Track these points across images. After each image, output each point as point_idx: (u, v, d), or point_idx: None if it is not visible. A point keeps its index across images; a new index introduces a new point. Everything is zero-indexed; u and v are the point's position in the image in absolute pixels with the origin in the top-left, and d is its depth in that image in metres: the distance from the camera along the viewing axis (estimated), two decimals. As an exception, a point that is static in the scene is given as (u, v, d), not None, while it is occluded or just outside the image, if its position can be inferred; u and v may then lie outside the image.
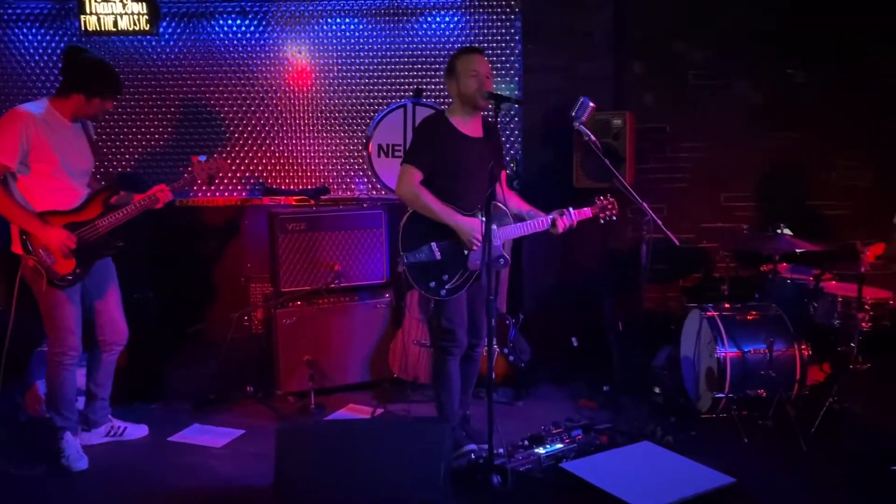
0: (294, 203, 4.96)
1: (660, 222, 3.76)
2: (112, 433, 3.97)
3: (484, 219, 3.23)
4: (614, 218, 3.73)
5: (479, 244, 3.45)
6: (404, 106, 4.88)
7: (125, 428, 4.01)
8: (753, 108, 5.07)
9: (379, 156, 4.90)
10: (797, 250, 4.12)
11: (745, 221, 5.09)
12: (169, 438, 4.02)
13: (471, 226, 3.48)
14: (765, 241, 4.27)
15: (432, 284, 3.52)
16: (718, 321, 4.07)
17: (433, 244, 3.52)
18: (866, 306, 3.70)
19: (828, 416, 3.83)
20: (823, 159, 5.09)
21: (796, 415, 3.82)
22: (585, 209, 3.69)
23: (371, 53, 5.11)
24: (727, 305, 4.22)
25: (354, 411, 4.36)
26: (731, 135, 5.07)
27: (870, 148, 5.04)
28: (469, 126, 3.61)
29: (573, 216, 3.61)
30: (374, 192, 5.15)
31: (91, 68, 3.59)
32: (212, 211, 5.18)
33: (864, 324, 3.68)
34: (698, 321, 4.21)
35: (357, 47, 5.10)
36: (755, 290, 4.47)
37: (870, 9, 4.88)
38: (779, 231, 4.22)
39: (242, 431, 4.08)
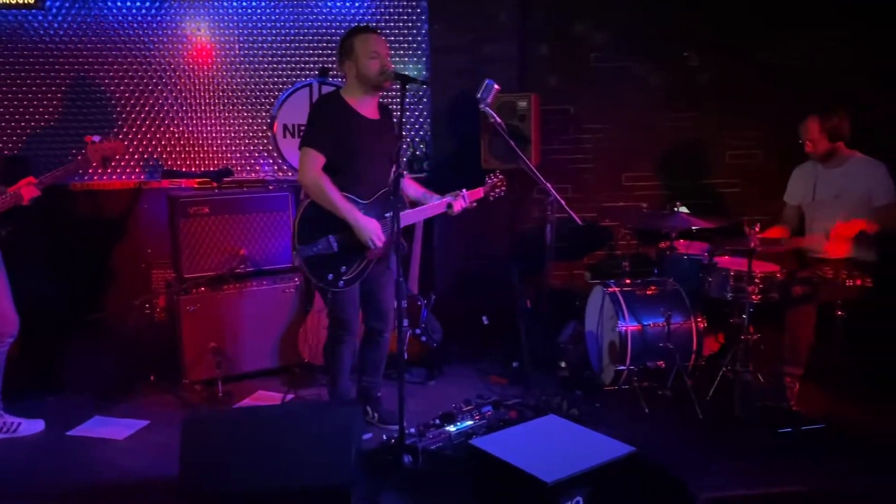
0: (196, 186, 4.80)
1: (563, 202, 3.86)
2: (4, 430, 3.79)
3: (387, 216, 3.25)
4: (502, 194, 3.88)
5: (376, 246, 3.46)
6: (310, 85, 4.79)
7: (19, 423, 3.84)
8: (653, 89, 5.24)
9: (284, 136, 4.80)
10: (692, 227, 4.30)
11: (645, 200, 5.29)
12: (68, 433, 3.86)
13: (371, 227, 3.47)
14: (663, 219, 4.43)
15: (330, 277, 3.50)
16: (620, 296, 4.22)
17: (330, 237, 3.47)
18: (756, 280, 3.91)
19: (721, 384, 4.04)
20: (718, 140, 5.33)
21: (693, 384, 4.02)
22: (478, 189, 3.81)
23: (275, 32, 4.98)
24: (628, 281, 4.38)
25: (264, 398, 4.30)
26: (632, 116, 5.24)
27: (760, 129, 5.30)
28: (366, 107, 3.57)
29: (466, 197, 3.70)
30: (280, 174, 5.05)
31: None
32: (109, 195, 4.95)
33: (754, 296, 3.89)
34: (601, 297, 4.35)
35: (260, 25, 4.97)
36: (654, 266, 4.65)
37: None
38: (676, 209, 4.39)
39: (147, 422, 3.97)
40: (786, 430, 3.69)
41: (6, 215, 3.56)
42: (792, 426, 3.70)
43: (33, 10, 4.67)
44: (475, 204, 3.77)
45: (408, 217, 3.64)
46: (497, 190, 3.85)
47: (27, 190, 3.55)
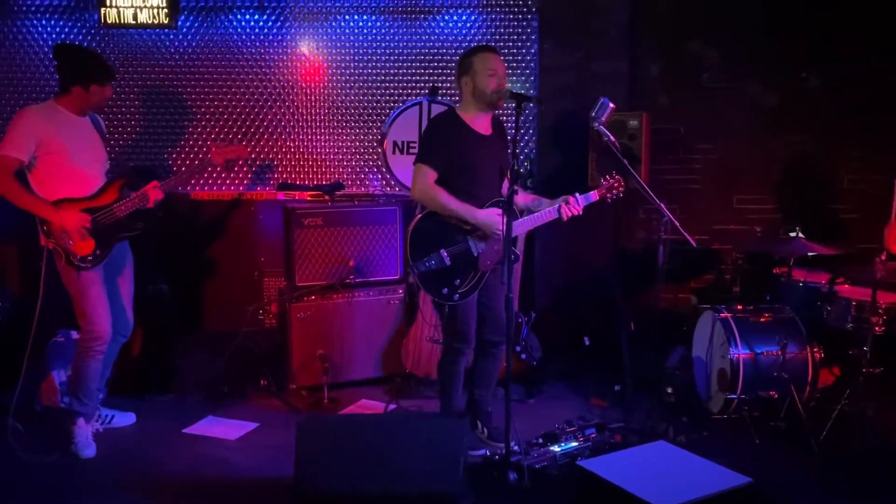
0: (309, 198, 4.99)
1: (677, 223, 3.78)
2: (100, 421, 3.99)
3: (501, 209, 3.21)
4: (621, 195, 3.70)
5: (501, 232, 3.40)
6: (420, 104, 4.90)
7: (112, 416, 4.06)
8: (767, 110, 5.09)
9: (394, 152, 4.93)
10: (810, 253, 4.13)
11: (757, 224, 5.13)
12: (183, 430, 4.05)
13: (493, 218, 3.49)
14: (778, 244, 4.29)
15: (445, 290, 3.55)
16: (732, 322, 4.09)
17: (442, 251, 3.53)
18: (880, 310, 3.73)
19: (839, 418, 3.85)
20: (837, 163, 5.12)
21: (808, 417, 3.85)
22: (592, 192, 3.68)
23: (387, 51, 5.12)
24: (740, 307, 4.24)
25: (367, 407, 4.39)
26: (744, 136, 5.10)
27: (880, 153, 5.06)
28: (480, 123, 3.63)
29: (580, 201, 3.61)
30: (389, 189, 5.17)
31: (80, 58, 3.77)
32: (226, 204, 5.20)
33: (877, 328, 3.70)
34: (711, 322, 4.24)
35: (373, 44, 5.12)
36: (766, 293, 4.49)
37: (886, 10, 4.90)
38: (792, 234, 4.24)
39: (257, 424, 4.11)
40: (910, 471, 3.48)
41: (139, 214, 3.78)
42: (917, 467, 3.50)
43: (166, 30, 4.97)
44: (581, 211, 3.64)
45: (520, 225, 3.65)
46: (615, 191, 3.69)
47: (153, 192, 3.78)
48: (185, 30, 5.04)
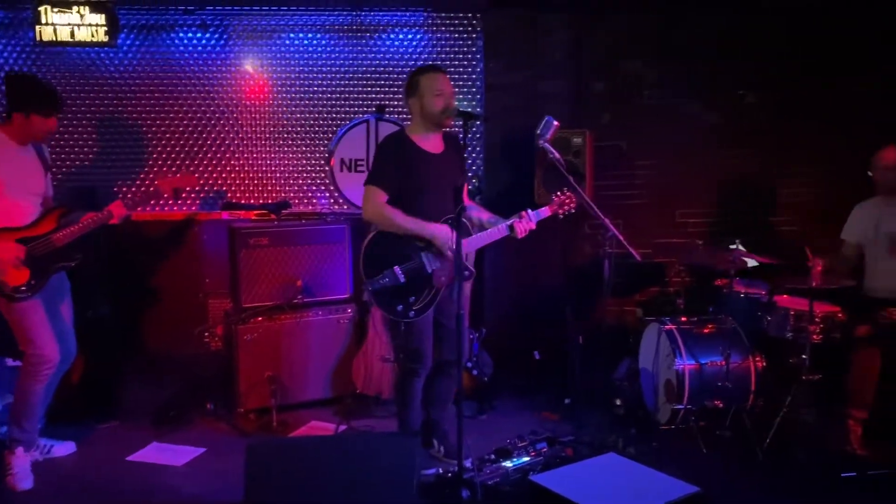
0: (255, 217, 4.92)
1: (622, 238, 3.85)
2: (38, 451, 3.86)
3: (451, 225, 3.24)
4: (573, 210, 3.79)
5: (452, 250, 3.43)
6: (367, 121, 4.90)
7: (52, 446, 3.94)
8: (706, 126, 5.24)
9: (342, 170, 4.90)
10: (750, 265, 4.25)
11: (698, 237, 5.26)
12: (127, 458, 3.93)
13: (444, 233, 3.50)
14: (719, 256, 4.40)
15: (399, 308, 3.54)
16: (677, 334, 4.18)
17: (396, 268, 3.52)
18: (817, 319, 3.85)
19: (782, 426, 3.96)
20: (773, 177, 5.30)
21: (752, 425, 3.95)
22: (544, 208, 3.76)
23: (333, 69, 5.11)
24: (684, 319, 4.34)
25: (317, 429, 4.33)
26: (684, 152, 5.24)
27: (816, 166, 5.26)
28: (430, 142, 3.65)
29: (531, 217, 3.66)
30: (337, 207, 5.14)
31: (24, 87, 3.72)
32: (169, 225, 5.10)
33: (815, 336, 3.82)
34: (657, 334, 4.32)
35: (319, 62, 5.11)
36: (709, 304, 4.60)
37: (815, 37, 5.11)
38: (732, 246, 4.35)
39: (204, 450, 4.02)
40: (850, 475, 3.59)
41: (77, 244, 3.70)
42: (856, 471, 3.61)
43: (105, 48, 4.86)
44: (534, 226, 3.70)
45: (474, 241, 3.66)
46: (566, 207, 3.77)
47: (118, 209, 3.75)
48: (125, 48, 4.94)
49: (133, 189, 5.02)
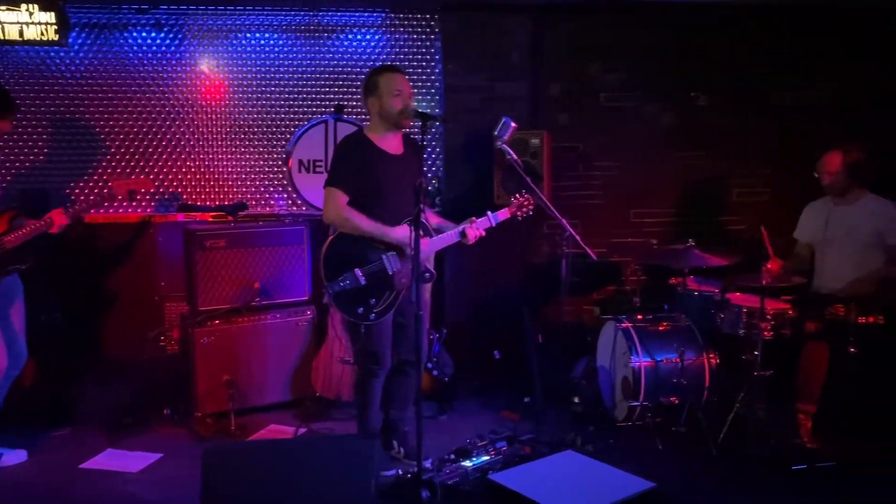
0: (211, 219, 4.86)
1: (578, 238, 3.90)
2: None
3: (412, 226, 3.26)
4: (531, 212, 3.87)
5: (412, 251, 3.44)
6: (326, 122, 4.87)
7: (2, 454, 3.85)
8: (661, 128, 5.33)
9: (300, 171, 4.87)
10: (704, 264, 4.34)
11: (653, 236, 5.34)
12: (81, 465, 3.85)
13: (404, 234, 3.51)
14: (674, 256, 4.48)
15: (360, 310, 3.53)
16: (632, 332, 4.25)
17: (357, 271, 3.51)
18: (768, 316, 3.94)
19: (735, 421, 4.04)
20: (726, 178, 5.41)
21: (706, 420, 4.03)
22: (503, 210, 3.82)
23: (291, 69, 5.08)
24: (640, 317, 4.41)
25: (276, 432, 4.29)
26: (640, 153, 5.31)
27: (767, 168, 5.38)
28: (389, 143, 3.65)
29: (491, 220, 3.72)
30: (295, 208, 5.10)
31: None
32: (123, 227, 5.00)
33: (766, 333, 3.92)
34: (613, 332, 4.38)
35: (276, 62, 5.07)
36: (664, 302, 4.68)
37: (767, 42, 5.23)
38: (687, 245, 4.44)
39: (160, 455, 3.96)
40: (800, 467, 3.69)
41: (29, 247, 3.62)
42: (805, 463, 3.71)
43: (56, 48, 4.75)
44: (493, 224, 3.76)
45: (430, 245, 3.67)
46: (524, 209, 3.84)
47: (58, 218, 3.66)
48: (76, 47, 4.84)
49: (86, 191, 4.92)
